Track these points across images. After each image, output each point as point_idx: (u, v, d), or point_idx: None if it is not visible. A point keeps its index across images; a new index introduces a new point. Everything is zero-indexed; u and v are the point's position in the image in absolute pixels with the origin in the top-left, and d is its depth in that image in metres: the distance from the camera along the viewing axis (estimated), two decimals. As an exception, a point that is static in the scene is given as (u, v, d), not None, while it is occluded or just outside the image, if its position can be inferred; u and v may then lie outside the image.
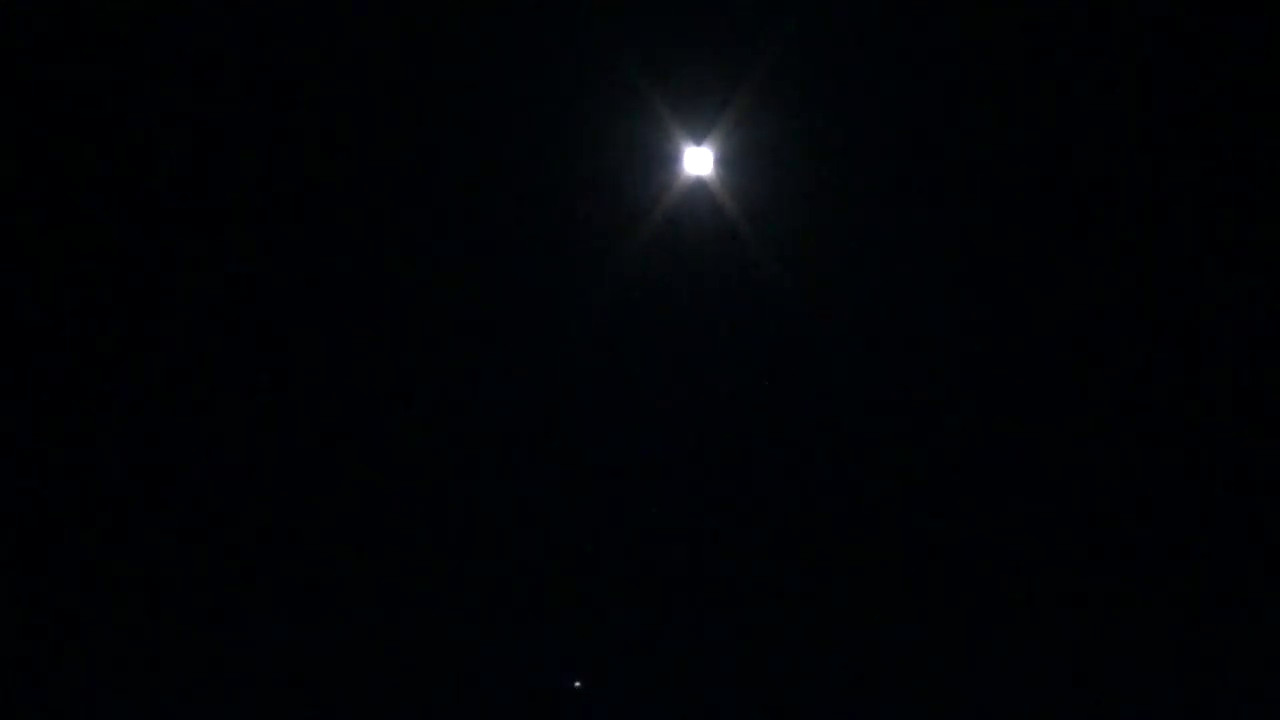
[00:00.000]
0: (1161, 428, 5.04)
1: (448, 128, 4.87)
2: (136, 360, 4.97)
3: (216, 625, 4.97)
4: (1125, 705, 4.94)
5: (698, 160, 4.87)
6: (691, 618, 5.04)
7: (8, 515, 4.94)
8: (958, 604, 5.08)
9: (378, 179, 4.91)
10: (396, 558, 5.06)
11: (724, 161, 4.87)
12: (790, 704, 4.95)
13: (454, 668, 4.93)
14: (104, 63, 4.75)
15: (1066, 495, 5.07)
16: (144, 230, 4.92)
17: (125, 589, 4.98)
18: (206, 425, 5.00)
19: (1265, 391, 4.98)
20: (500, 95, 4.83)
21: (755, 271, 4.91)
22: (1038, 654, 5.02)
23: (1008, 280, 4.96)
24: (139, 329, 4.97)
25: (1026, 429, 5.06)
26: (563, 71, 4.80)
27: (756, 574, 5.10)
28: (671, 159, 4.87)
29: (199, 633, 4.95)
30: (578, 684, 4.76)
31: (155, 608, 4.97)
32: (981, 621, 5.06)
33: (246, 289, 4.97)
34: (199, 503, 5.00)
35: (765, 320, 4.98)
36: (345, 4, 4.71)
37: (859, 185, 4.89)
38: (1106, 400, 5.02)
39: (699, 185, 4.89)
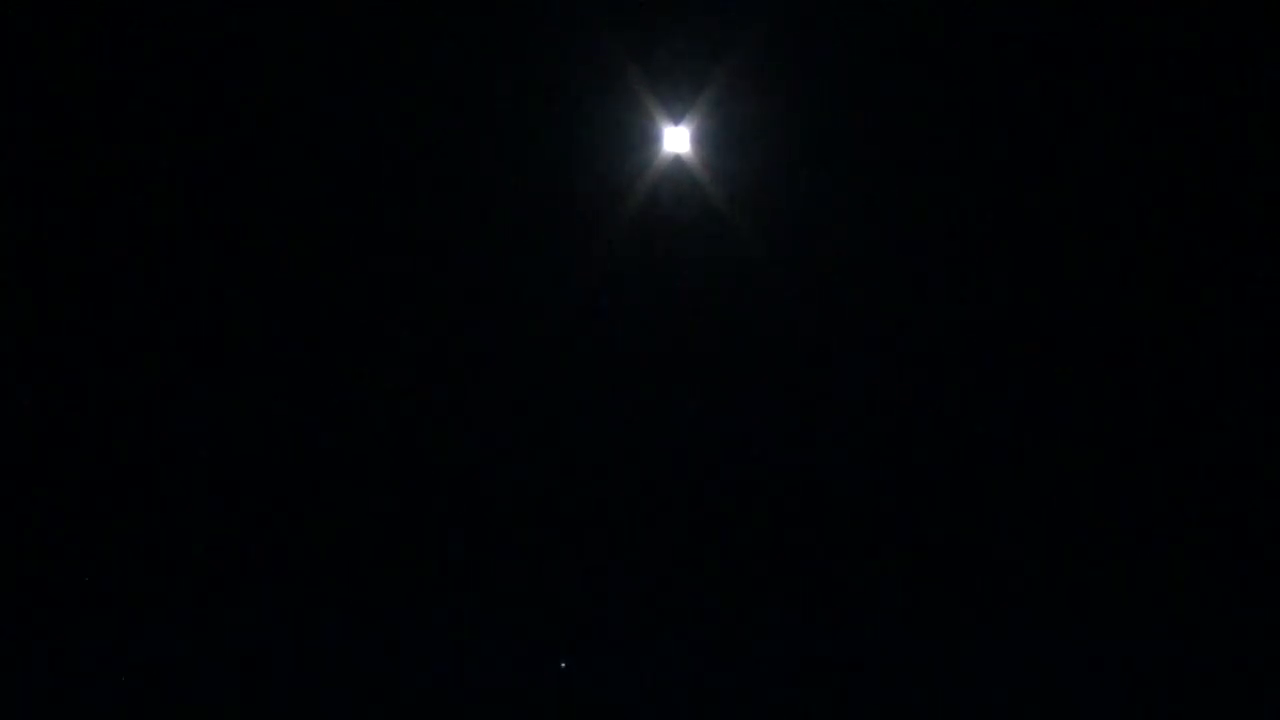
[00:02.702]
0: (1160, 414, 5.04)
1: (422, 107, 4.86)
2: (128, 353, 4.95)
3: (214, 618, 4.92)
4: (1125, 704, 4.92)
5: (676, 139, 4.89)
6: (676, 602, 5.02)
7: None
8: (955, 598, 5.05)
9: (353, 162, 4.90)
10: (380, 535, 5.02)
11: (702, 140, 4.88)
12: (780, 692, 4.93)
13: (436, 647, 4.89)
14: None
15: (1064, 472, 5.06)
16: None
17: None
18: (197, 422, 4.97)
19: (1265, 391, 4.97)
20: (476, 75, 4.84)
21: (734, 249, 4.92)
22: (1037, 653, 4.99)
23: (989, 255, 4.98)
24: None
25: (1021, 410, 5.06)
26: (539, 50, 4.81)
27: (737, 557, 5.08)
28: (649, 138, 4.88)
29: (198, 630, 4.90)
30: (564, 665, 4.73)
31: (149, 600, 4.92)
32: (980, 618, 5.04)
33: (224, 265, 4.94)
34: (194, 497, 4.97)
35: (744, 297, 4.98)
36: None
37: (837, 162, 4.91)
38: (1105, 364, 5.03)
39: (677, 164, 4.91)
